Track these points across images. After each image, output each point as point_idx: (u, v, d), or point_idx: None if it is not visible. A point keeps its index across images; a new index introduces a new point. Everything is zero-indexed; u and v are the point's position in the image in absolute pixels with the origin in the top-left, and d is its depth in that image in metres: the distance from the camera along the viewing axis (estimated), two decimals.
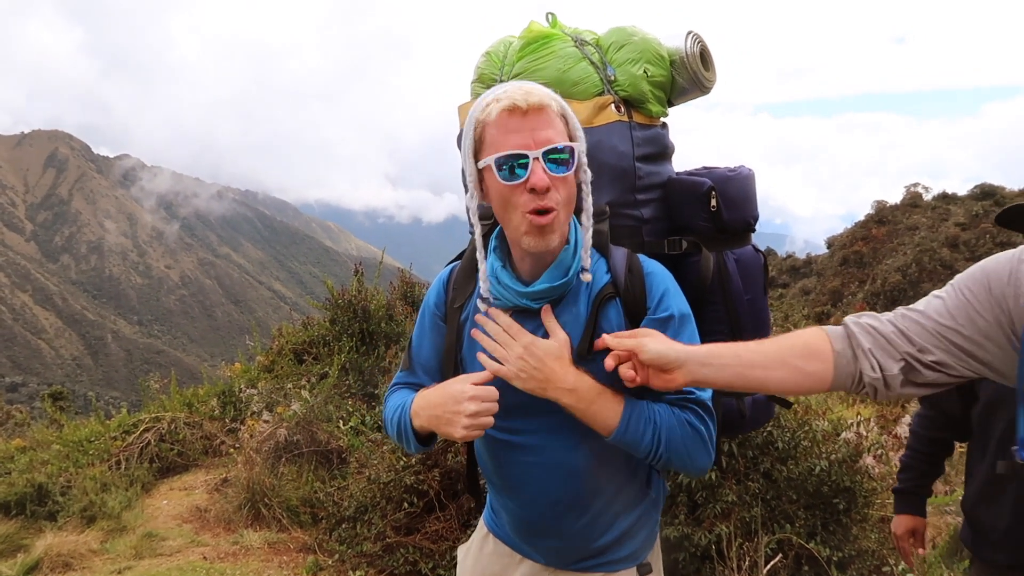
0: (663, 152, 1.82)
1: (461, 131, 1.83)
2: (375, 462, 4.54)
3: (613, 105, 1.72)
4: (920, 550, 2.51)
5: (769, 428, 3.73)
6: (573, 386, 1.48)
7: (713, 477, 3.56)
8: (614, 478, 1.64)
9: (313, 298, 7.98)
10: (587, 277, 1.53)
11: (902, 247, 39.47)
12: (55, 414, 7.85)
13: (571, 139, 1.48)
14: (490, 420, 1.49)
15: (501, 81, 1.82)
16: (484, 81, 1.89)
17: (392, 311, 7.21)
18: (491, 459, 1.71)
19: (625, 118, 1.74)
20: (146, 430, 6.46)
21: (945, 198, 46.20)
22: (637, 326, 1.53)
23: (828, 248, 48.62)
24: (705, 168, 1.86)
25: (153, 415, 6.71)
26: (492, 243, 1.62)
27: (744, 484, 3.61)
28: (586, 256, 1.53)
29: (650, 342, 1.42)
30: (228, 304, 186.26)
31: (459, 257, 1.84)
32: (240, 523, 5.15)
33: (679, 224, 1.81)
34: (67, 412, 8.56)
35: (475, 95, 1.94)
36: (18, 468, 6.07)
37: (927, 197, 47.06)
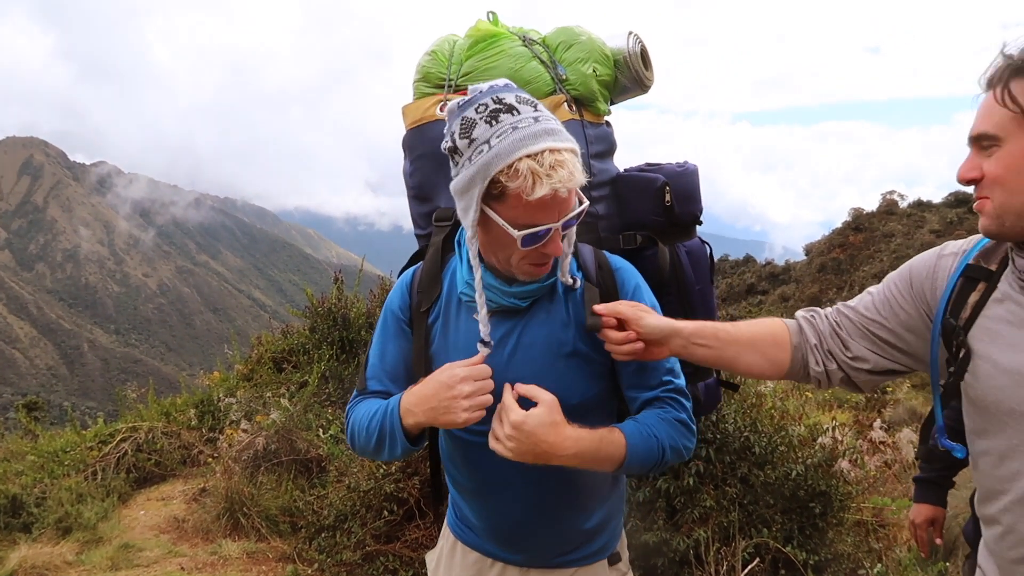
0: (610, 149, 1.90)
1: (407, 133, 1.92)
2: (355, 470, 4.52)
3: (566, 104, 1.77)
4: (938, 540, 2.47)
5: (746, 433, 3.77)
6: (574, 451, 1.44)
7: (691, 482, 3.59)
8: (592, 474, 1.62)
9: (293, 306, 7.94)
10: (568, 281, 1.55)
11: (879, 254, 39.99)
12: (30, 424, 7.74)
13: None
14: (488, 399, 1.46)
15: (450, 81, 1.84)
16: (430, 80, 1.89)
17: (372, 319, 7.18)
18: (467, 463, 1.68)
19: (577, 116, 1.79)
20: (123, 440, 6.39)
21: (920, 205, 46.88)
22: None
23: (806, 255, 49.12)
24: (648, 165, 1.93)
25: (130, 425, 6.64)
26: (466, 246, 1.57)
27: (722, 489, 3.64)
28: (565, 265, 1.54)
29: (645, 315, 1.49)
30: (207, 312, 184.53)
31: (413, 260, 1.88)
32: (218, 533, 5.10)
33: (631, 220, 1.87)
34: (42, 422, 8.46)
35: (420, 94, 1.93)
36: None
37: (903, 204, 47.72)
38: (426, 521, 4.24)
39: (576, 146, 1.42)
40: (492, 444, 1.46)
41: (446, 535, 1.88)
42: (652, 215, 1.82)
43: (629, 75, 1.86)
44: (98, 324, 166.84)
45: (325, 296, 7.20)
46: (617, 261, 1.62)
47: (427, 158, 1.90)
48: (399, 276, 1.81)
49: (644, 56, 1.88)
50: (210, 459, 6.07)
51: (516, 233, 1.39)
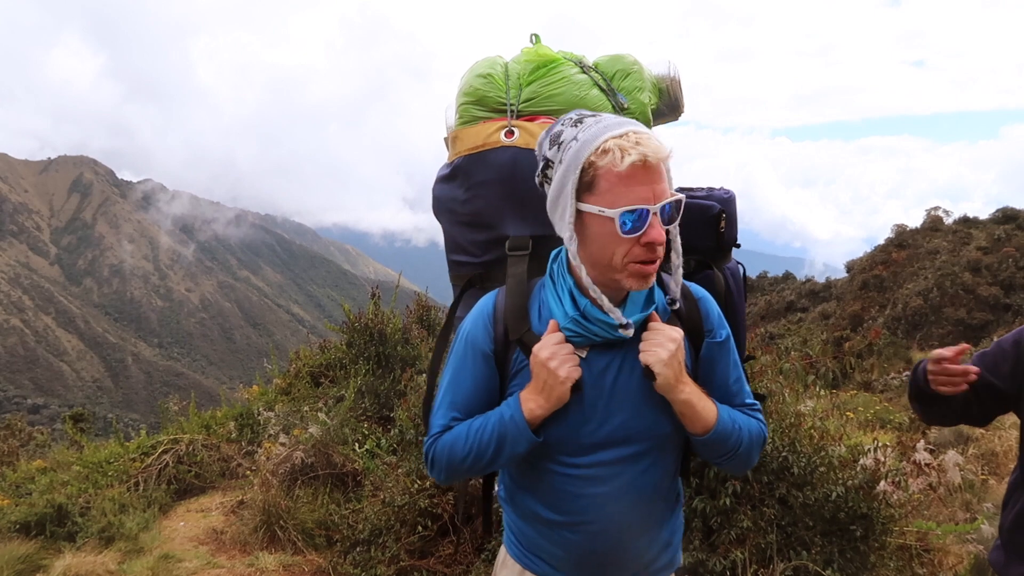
0: None
1: (464, 158, 1.87)
2: (390, 485, 4.55)
3: None
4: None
5: (784, 453, 3.71)
6: (691, 388, 1.58)
7: (728, 502, 3.53)
8: (670, 492, 1.77)
9: (330, 321, 8.04)
10: (677, 295, 1.62)
11: (923, 271, 39.10)
12: (76, 436, 7.93)
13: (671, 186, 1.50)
14: (573, 357, 1.55)
15: (511, 106, 1.81)
16: (486, 104, 1.86)
17: (408, 335, 7.25)
18: (554, 495, 1.67)
19: None
20: (164, 452, 6.51)
21: (966, 222, 45.77)
22: (698, 351, 1.65)
23: (848, 272, 48.25)
24: (681, 189, 1.88)
25: (172, 437, 6.76)
26: (561, 278, 1.60)
27: (759, 510, 3.58)
28: (676, 289, 1.61)
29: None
30: (247, 327, 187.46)
31: (466, 287, 1.93)
32: (256, 545, 5.16)
33: (685, 245, 1.74)
34: (87, 434, 8.65)
35: (470, 117, 1.91)
36: (38, 489, 6.13)
37: (948, 221, 46.63)
38: (460, 538, 4.24)
39: (665, 150, 1.46)
40: (643, 357, 1.55)
41: (508, 565, 1.85)
42: (705, 240, 1.89)
43: (668, 101, 1.91)
44: (142, 338, 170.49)
45: (362, 312, 7.27)
46: (698, 291, 1.69)
47: (491, 185, 1.87)
48: (453, 305, 1.93)
49: (679, 83, 1.97)
50: (248, 472, 6.15)
51: (612, 212, 1.43)
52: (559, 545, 1.71)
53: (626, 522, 1.66)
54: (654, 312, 1.59)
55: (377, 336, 6.99)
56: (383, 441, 5.52)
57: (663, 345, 1.53)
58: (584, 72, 1.83)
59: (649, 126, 1.83)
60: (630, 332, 1.54)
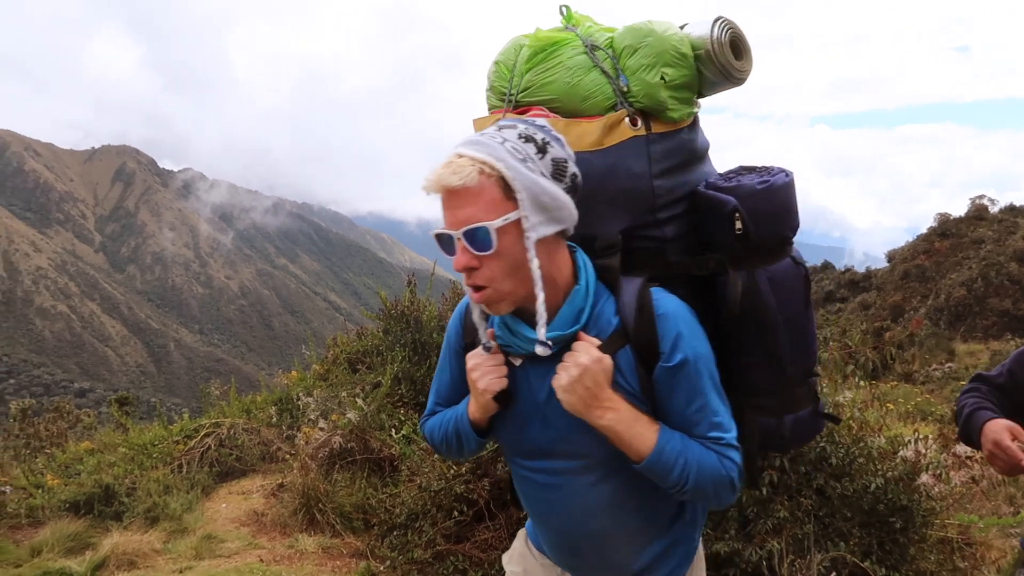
0: (691, 159, 1.65)
1: None
2: (426, 470, 4.61)
3: (628, 119, 1.57)
4: None
5: (822, 444, 3.67)
6: (613, 406, 1.45)
7: (764, 492, 3.52)
8: (640, 511, 1.62)
9: (367, 309, 8.13)
10: (542, 351, 1.47)
11: (967, 261, 38.16)
12: (121, 418, 8.15)
13: (516, 203, 1.39)
14: (498, 371, 1.55)
15: (511, 95, 1.70)
16: (496, 92, 1.76)
17: (444, 322, 7.29)
18: (520, 492, 1.76)
19: (642, 132, 1.57)
20: (206, 435, 6.67)
21: (1013, 210, 44.51)
22: (650, 372, 1.48)
23: (889, 262, 47.31)
24: (743, 169, 1.68)
25: (213, 421, 6.92)
26: None
27: (796, 500, 3.56)
28: (540, 330, 1.45)
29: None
30: (285, 314, 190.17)
31: None
32: (295, 527, 5.27)
33: (707, 239, 1.67)
34: (132, 417, 8.89)
35: (490, 106, 1.82)
36: (87, 469, 6.33)
37: (993, 209, 45.40)
38: (495, 523, 4.28)
39: (494, 160, 1.38)
40: (553, 379, 1.49)
41: (523, 536, 1.94)
42: (722, 238, 1.60)
43: (714, 69, 1.59)
44: (183, 324, 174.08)
45: (398, 299, 7.34)
46: (663, 305, 1.49)
47: None
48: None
49: (736, 45, 1.60)
50: (288, 456, 6.28)
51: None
52: (540, 528, 1.78)
53: (589, 530, 1.63)
54: (580, 331, 1.49)
55: (413, 323, 7.05)
56: (419, 427, 5.57)
57: (567, 369, 1.45)
58: (588, 52, 1.62)
59: (664, 107, 1.58)
60: (545, 351, 1.47)
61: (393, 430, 5.76)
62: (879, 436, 3.95)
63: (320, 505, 5.28)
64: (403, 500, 4.63)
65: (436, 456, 4.67)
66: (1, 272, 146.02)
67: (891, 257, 47.35)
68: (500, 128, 1.46)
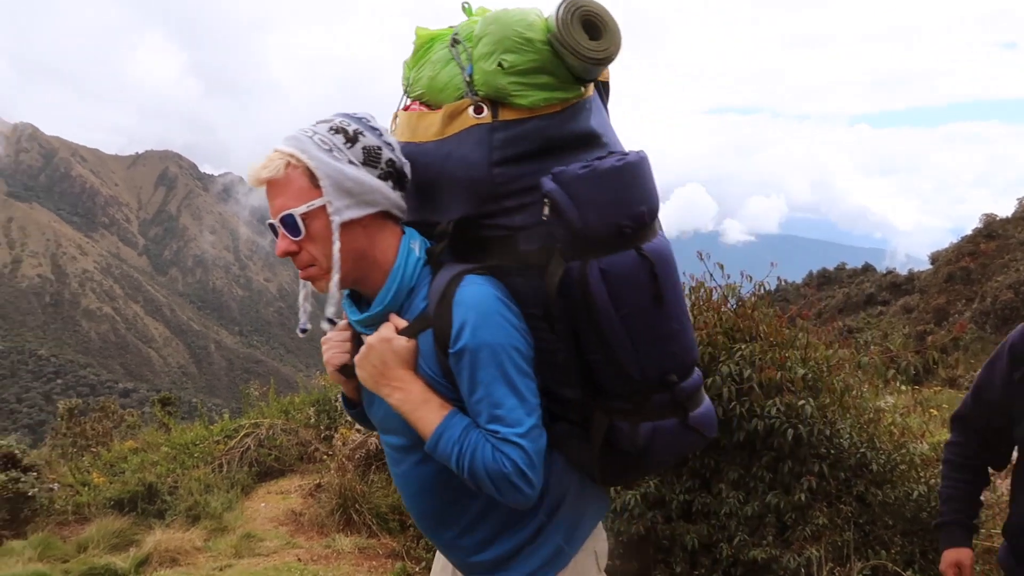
0: (548, 146, 1.53)
1: None
2: None
3: (472, 108, 1.53)
4: None
5: (863, 450, 3.61)
6: (402, 386, 1.51)
7: (803, 498, 3.46)
8: (462, 497, 1.60)
9: None
10: (325, 327, 1.63)
11: (1014, 263, 37.12)
12: (164, 418, 8.33)
13: (321, 190, 1.48)
14: (341, 344, 1.66)
15: (406, 91, 1.72)
16: (403, 88, 1.75)
17: None
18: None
19: (487, 119, 1.52)
20: (246, 435, 6.79)
21: None
22: (448, 359, 1.49)
23: (932, 264, 46.22)
24: (608, 155, 1.54)
25: (253, 421, 7.04)
26: None
27: (836, 507, 3.50)
28: (329, 308, 1.59)
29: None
30: (323, 317, 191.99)
31: None
32: (332, 527, 5.34)
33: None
34: (174, 417, 9.07)
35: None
36: (131, 468, 6.48)
37: None
38: None
39: (299, 151, 1.48)
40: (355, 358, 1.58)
41: None
42: (552, 227, 1.49)
43: (566, 51, 1.48)
44: (224, 326, 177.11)
45: None
46: (463, 293, 1.47)
47: None
48: None
49: (593, 24, 1.48)
50: (325, 456, 6.36)
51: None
52: None
53: (419, 509, 1.69)
54: (392, 313, 1.57)
55: None
56: None
57: (365, 344, 1.55)
58: (451, 46, 1.59)
59: (507, 94, 1.51)
60: (327, 327, 1.64)
61: None
62: (922, 442, 3.87)
63: (356, 505, 5.34)
64: None
65: None
66: (49, 275, 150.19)
67: (934, 259, 46.24)
68: (318, 123, 1.55)
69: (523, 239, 1.55)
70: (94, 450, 8.19)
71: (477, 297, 1.47)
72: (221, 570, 4.84)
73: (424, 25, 1.71)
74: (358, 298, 1.66)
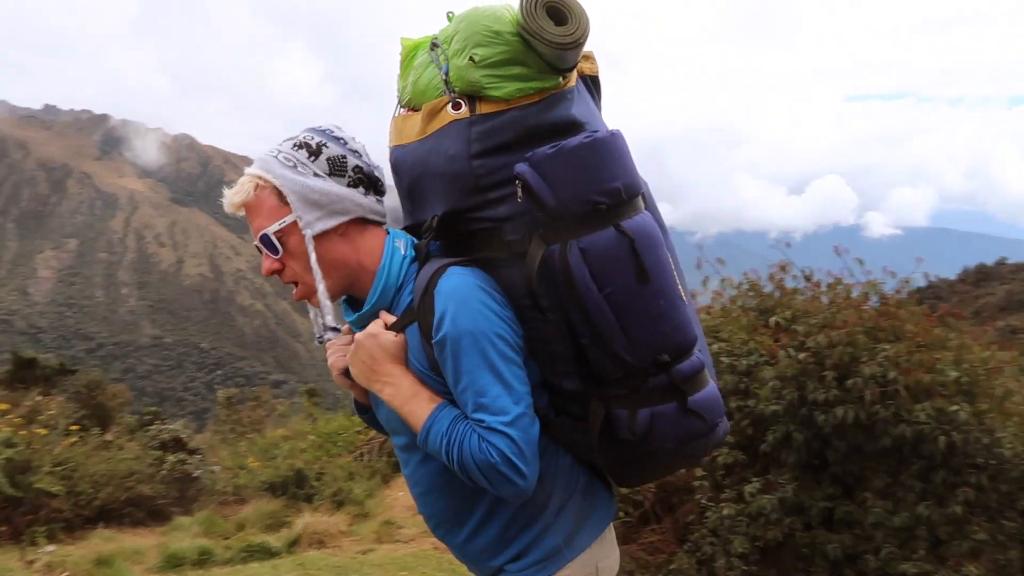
0: (526, 136, 1.50)
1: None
2: None
3: (451, 105, 1.53)
4: None
5: None
6: (392, 381, 1.51)
7: (959, 511, 3.23)
8: (481, 496, 1.57)
9: None
10: (327, 322, 1.62)
11: None
12: (310, 409, 8.85)
13: (290, 207, 1.51)
14: (342, 348, 1.66)
15: (399, 99, 1.71)
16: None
17: None
18: None
19: (465, 114, 1.52)
20: None
21: None
22: (433, 350, 1.49)
23: None
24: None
25: None
26: None
27: (997, 522, 3.24)
28: (326, 317, 1.60)
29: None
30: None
31: None
32: None
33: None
34: (319, 407, 9.62)
35: None
36: (282, 454, 6.95)
37: None
38: (662, 526, 4.24)
39: (265, 172, 1.53)
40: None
41: None
42: (531, 211, 1.48)
43: (534, 39, 1.46)
44: None
45: None
46: (443, 283, 1.47)
47: None
48: None
49: (557, 10, 1.47)
50: None
51: None
52: None
53: (428, 510, 1.67)
54: (383, 311, 1.58)
55: None
56: None
57: (354, 341, 1.56)
58: (430, 50, 1.60)
59: (481, 87, 1.51)
60: (330, 336, 1.65)
61: None
62: None
63: None
64: None
65: None
66: (208, 273, 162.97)
67: None
68: (283, 141, 1.58)
69: (509, 229, 1.52)
70: (249, 436, 8.84)
71: (456, 286, 1.46)
72: (364, 554, 5.11)
73: (408, 36, 1.71)
74: (356, 303, 1.67)
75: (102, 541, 6.38)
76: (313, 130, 1.60)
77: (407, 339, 1.54)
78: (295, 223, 1.52)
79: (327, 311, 1.59)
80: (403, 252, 1.60)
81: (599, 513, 1.65)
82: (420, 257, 1.57)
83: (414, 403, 1.50)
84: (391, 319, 1.55)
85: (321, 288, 1.55)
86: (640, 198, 1.52)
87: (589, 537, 1.62)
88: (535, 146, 1.48)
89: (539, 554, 1.57)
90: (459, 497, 1.59)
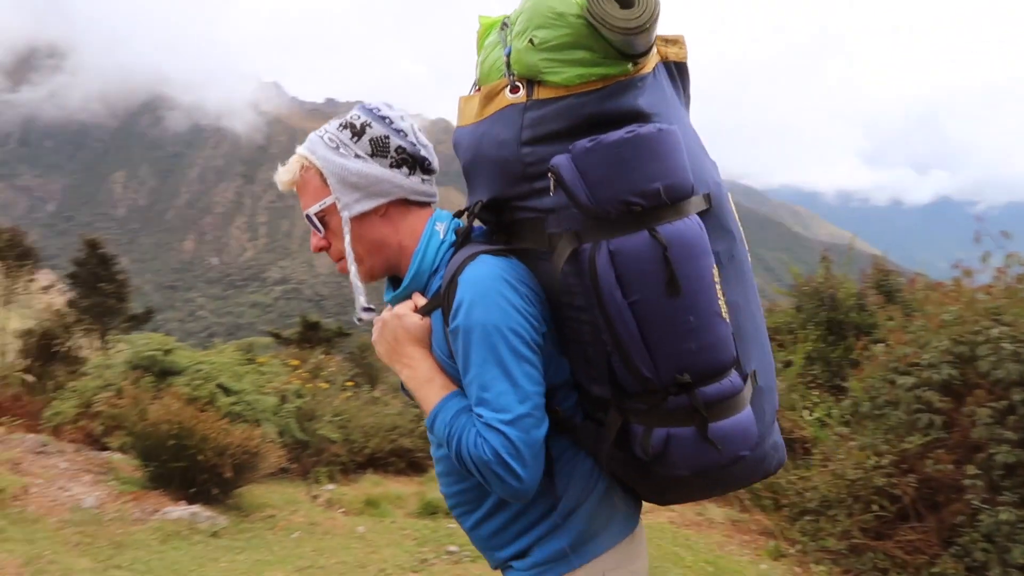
0: (582, 125, 1.41)
1: None
2: (841, 457, 4.35)
3: (508, 88, 1.45)
4: None
5: None
6: (411, 363, 1.52)
7: None
8: (469, 485, 1.57)
9: (779, 285, 7.89)
10: (360, 303, 1.60)
11: None
12: None
13: (330, 188, 1.54)
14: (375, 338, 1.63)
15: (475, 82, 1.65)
16: None
17: (863, 300, 6.75)
18: None
19: (522, 99, 1.44)
20: None
21: None
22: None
23: None
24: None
25: None
26: None
27: None
28: (359, 298, 1.60)
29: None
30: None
31: None
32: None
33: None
34: None
35: None
36: None
37: None
38: (924, 525, 3.88)
39: (310, 153, 1.56)
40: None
41: None
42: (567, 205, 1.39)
43: (597, 23, 1.35)
44: None
45: (812, 276, 7.00)
46: (469, 272, 1.42)
47: None
48: None
49: None
50: None
51: None
52: None
53: (447, 491, 1.65)
54: (416, 292, 1.57)
55: (828, 301, 6.66)
56: (834, 411, 5.28)
57: (380, 320, 1.58)
58: (502, 28, 1.53)
59: (539, 71, 1.42)
60: (369, 316, 1.60)
61: (806, 411, 5.54)
62: None
63: None
64: (815, 485, 4.46)
65: (853, 444, 4.39)
66: None
67: None
68: (332, 120, 1.60)
69: (552, 222, 1.44)
70: None
71: (479, 276, 1.42)
72: None
73: (486, 13, 1.67)
74: (398, 283, 1.65)
75: (371, 485, 7.21)
76: (362, 109, 1.59)
77: (432, 323, 1.52)
78: (335, 204, 1.55)
79: (360, 292, 1.60)
80: (442, 236, 1.57)
81: (616, 523, 1.56)
82: (459, 242, 1.54)
83: (428, 388, 1.50)
84: (422, 302, 1.55)
85: (353, 270, 1.57)
86: (689, 202, 1.39)
87: (602, 546, 1.54)
88: (583, 136, 1.40)
89: (543, 555, 1.53)
90: (472, 483, 1.55)
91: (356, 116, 1.58)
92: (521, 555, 1.56)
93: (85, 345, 12.15)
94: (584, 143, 1.36)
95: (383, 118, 1.57)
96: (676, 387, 1.38)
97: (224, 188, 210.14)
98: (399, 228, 1.58)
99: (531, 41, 1.42)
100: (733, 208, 1.54)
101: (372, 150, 1.54)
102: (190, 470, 5.05)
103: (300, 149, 1.60)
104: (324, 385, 8.44)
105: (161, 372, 6.84)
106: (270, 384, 7.55)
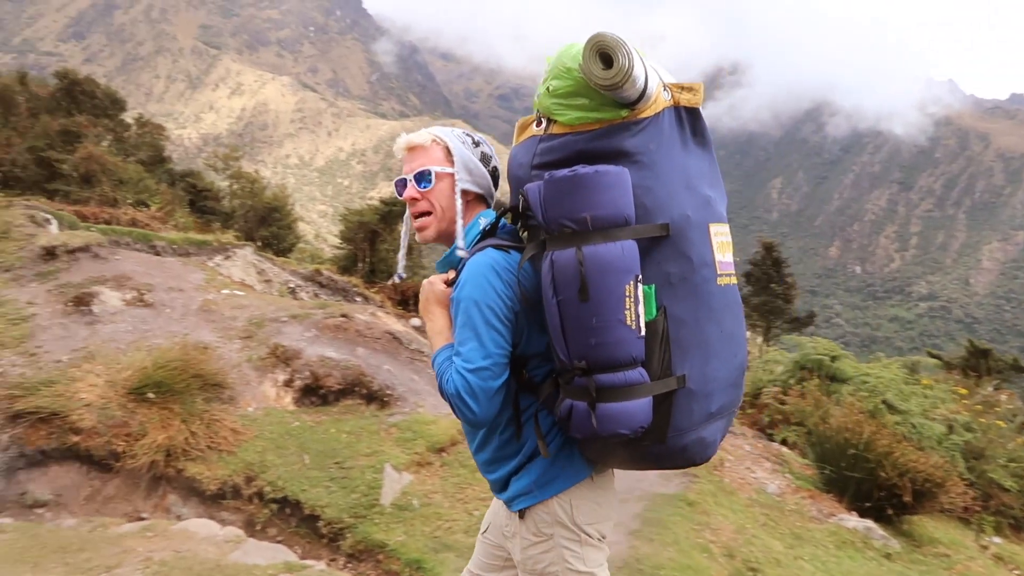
0: (576, 158, 1.83)
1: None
2: None
3: (535, 123, 1.94)
4: None
5: None
6: (432, 319, 2.01)
7: None
8: (495, 420, 1.97)
9: None
10: (462, 253, 2.00)
11: None
12: None
13: (453, 163, 2.02)
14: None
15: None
16: None
17: None
18: None
19: (540, 132, 1.92)
20: None
21: None
22: None
23: None
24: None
25: None
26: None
27: None
28: (459, 241, 2.00)
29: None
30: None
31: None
32: None
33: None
34: None
35: None
36: None
37: None
38: None
39: (443, 136, 2.06)
40: None
41: None
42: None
43: (589, 78, 1.76)
44: None
45: None
46: (475, 259, 1.92)
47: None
48: None
49: (606, 55, 1.70)
50: None
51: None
52: None
53: (463, 427, 2.09)
54: (453, 269, 2.04)
55: None
56: None
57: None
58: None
59: (551, 112, 1.87)
60: (463, 253, 2.00)
61: None
62: None
63: None
64: None
65: None
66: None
67: None
68: (456, 129, 2.09)
69: (543, 231, 1.86)
70: None
71: (478, 263, 1.91)
72: None
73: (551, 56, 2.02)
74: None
75: None
76: (468, 134, 2.10)
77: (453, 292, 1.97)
78: (451, 176, 2.02)
79: (460, 236, 2.01)
80: (480, 227, 2.02)
81: (570, 470, 1.97)
82: (485, 234, 2.00)
83: (437, 338, 1.98)
84: (451, 275, 2.00)
85: (460, 223, 2.02)
86: (623, 229, 1.76)
87: (559, 486, 1.96)
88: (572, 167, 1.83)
89: (515, 490, 2.00)
90: (483, 433, 2.05)
91: (473, 135, 2.12)
92: (503, 487, 2.03)
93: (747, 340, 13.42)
94: (551, 174, 1.80)
95: (489, 146, 2.13)
96: (580, 370, 1.77)
97: (877, 195, 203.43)
98: (467, 211, 2.06)
99: (548, 88, 1.88)
100: (711, 238, 1.86)
101: (480, 158, 2.08)
102: (867, 483, 5.15)
103: (433, 130, 2.08)
104: (1000, 423, 7.53)
105: (828, 377, 7.11)
106: (936, 410, 7.11)
